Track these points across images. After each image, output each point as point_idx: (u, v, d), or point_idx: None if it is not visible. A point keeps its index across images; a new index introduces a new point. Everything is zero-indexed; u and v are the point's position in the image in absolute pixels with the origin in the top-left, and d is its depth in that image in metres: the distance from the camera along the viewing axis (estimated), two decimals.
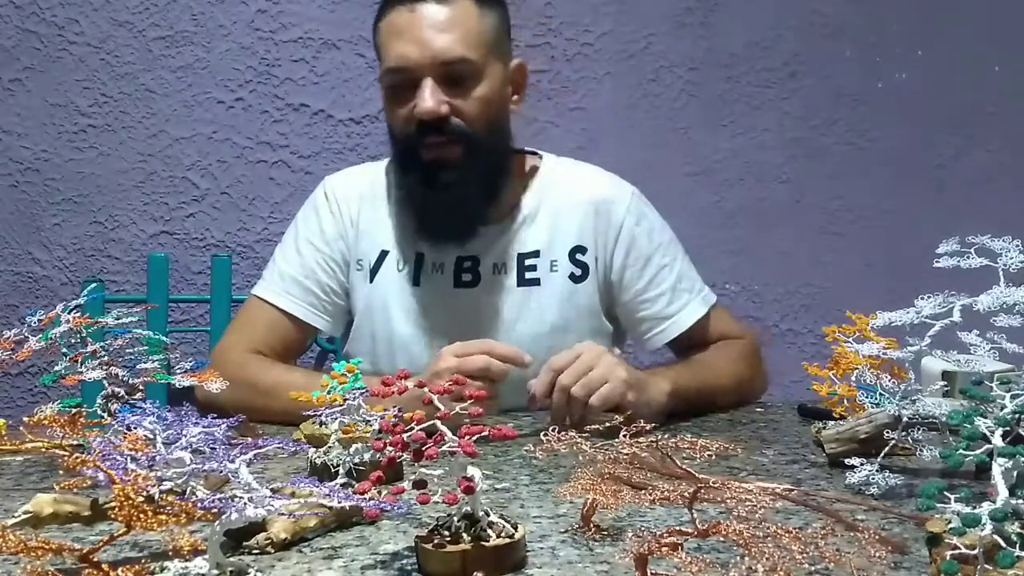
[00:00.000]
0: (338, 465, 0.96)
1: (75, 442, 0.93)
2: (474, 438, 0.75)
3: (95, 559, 0.65)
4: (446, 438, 0.76)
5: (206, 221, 2.05)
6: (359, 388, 1.03)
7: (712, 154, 2.18)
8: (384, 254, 1.50)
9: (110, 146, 2.02)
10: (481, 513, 0.76)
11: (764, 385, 1.55)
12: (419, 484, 0.76)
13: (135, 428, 0.77)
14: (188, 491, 0.74)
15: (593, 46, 2.12)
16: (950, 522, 0.63)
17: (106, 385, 1.08)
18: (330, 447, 1.00)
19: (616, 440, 0.85)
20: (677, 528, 0.65)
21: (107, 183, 2.02)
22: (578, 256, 1.50)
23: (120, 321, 1.14)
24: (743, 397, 1.47)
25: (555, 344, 1.36)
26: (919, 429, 0.97)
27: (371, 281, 1.50)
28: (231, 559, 0.71)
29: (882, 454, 0.96)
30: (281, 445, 0.80)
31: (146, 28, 2.00)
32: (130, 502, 0.62)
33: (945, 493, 0.64)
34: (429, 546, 0.75)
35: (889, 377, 1.00)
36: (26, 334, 1.07)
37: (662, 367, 1.45)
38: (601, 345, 1.31)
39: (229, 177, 2.05)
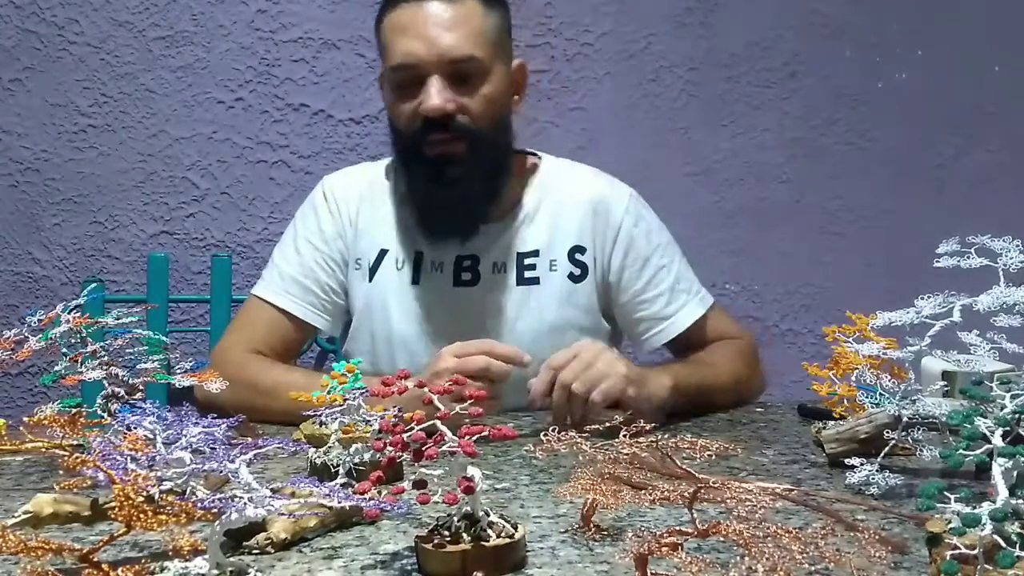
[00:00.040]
0: (338, 465, 0.96)
1: (75, 442, 0.93)
2: (474, 438, 0.75)
3: (95, 559, 0.65)
4: (446, 438, 0.76)
5: (206, 221, 2.05)
6: (359, 388, 1.03)
7: (712, 154, 2.18)
8: (383, 253, 1.50)
9: (110, 146, 2.02)
10: (481, 513, 0.76)
11: (762, 385, 1.55)
12: (419, 484, 0.76)
13: (135, 428, 0.77)
14: (188, 491, 0.74)
15: (593, 46, 2.12)
16: (950, 522, 0.63)
17: (106, 385, 1.08)
18: (330, 447, 1.00)
19: (616, 440, 0.85)
20: (677, 528, 0.65)
21: (107, 183, 2.02)
22: (577, 256, 1.50)
23: (120, 321, 1.14)
24: (742, 396, 1.47)
25: (554, 343, 1.36)
26: (919, 429, 0.97)
27: (370, 280, 1.50)
28: (231, 559, 0.71)
29: (882, 454, 0.96)
30: (281, 445, 0.80)
31: (146, 28, 2.00)
32: (130, 502, 0.62)
33: (945, 493, 0.64)
34: (429, 546, 0.75)
35: (889, 377, 1.00)
36: (26, 334, 1.07)
37: (661, 365, 1.45)
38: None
39: (229, 177, 2.05)
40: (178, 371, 1.10)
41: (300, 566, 0.78)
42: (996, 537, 0.60)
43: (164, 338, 1.16)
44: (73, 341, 1.09)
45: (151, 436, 0.76)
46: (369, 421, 1.01)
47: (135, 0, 2.00)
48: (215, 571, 0.68)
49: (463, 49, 1.36)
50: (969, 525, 0.60)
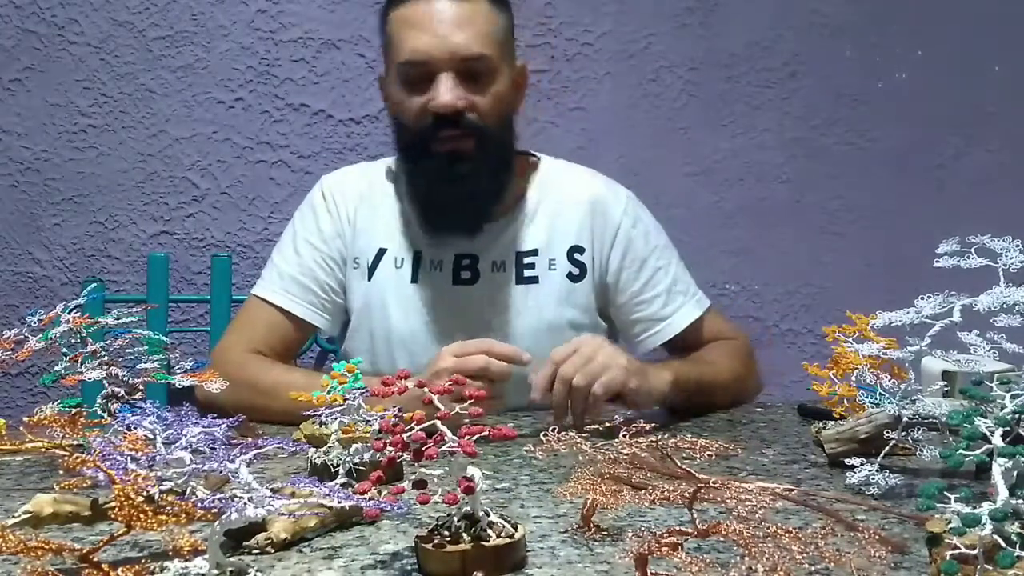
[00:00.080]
0: (338, 465, 0.96)
1: (75, 442, 0.93)
2: (474, 438, 0.75)
3: (95, 559, 0.65)
4: (446, 438, 0.76)
5: (206, 221, 2.05)
6: (359, 388, 1.03)
7: (712, 154, 2.17)
8: (382, 252, 1.50)
9: (110, 146, 2.02)
10: (481, 513, 0.76)
11: (759, 386, 1.55)
12: (419, 484, 0.76)
13: (135, 428, 0.77)
14: (188, 491, 0.74)
15: (593, 46, 2.12)
16: (950, 522, 0.63)
17: (106, 385, 1.08)
18: (330, 447, 1.00)
19: (616, 440, 0.85)
20: (677, 528, 0.65)
21: (107, 183, 2.02)
22: (576, 256, 1.50)
23: (120, 321, 1.14)
24: (739, 395, 1.47)
25: (553, 342, 1.36)
26: (919, 429, 0.97)
27: (369, 279, 1.50)
28: (231, 559, 0.71)
29: (882, 454, 0.96)
30: (281, 445, 0.80)
31: (146, 28, 2.00)
32: (130, 502, 0.62)
33: (945, 493, 0.64)
34: (429, 546, 0.75)
35: (889, 377, 1.00)
36: (26, 334, 1.07)
37: (661, 361, 1.45)
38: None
39: (229, 177, 2.04)
40: (178, 371, 1.10)
41: (300, 566, 0.78)
42: (996, 537, 0.60)
43: (164, 338, 1.16)
44: (73, 341, 1.09)
45: (151, 436, 0.76)
46: (369, 421, 1.01)
47: (135, 0, 2.00)
48: (215, 571, 0.68)
49: (475, 47, 1.37)
50: (969, 525, 0.60)
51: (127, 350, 1.11)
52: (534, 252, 1.49)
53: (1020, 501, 0.64)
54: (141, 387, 1.09)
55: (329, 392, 1.04)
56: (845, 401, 1.06)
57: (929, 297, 0.96)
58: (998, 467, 0.66)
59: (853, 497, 0.93)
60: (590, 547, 0.82)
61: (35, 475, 1.08)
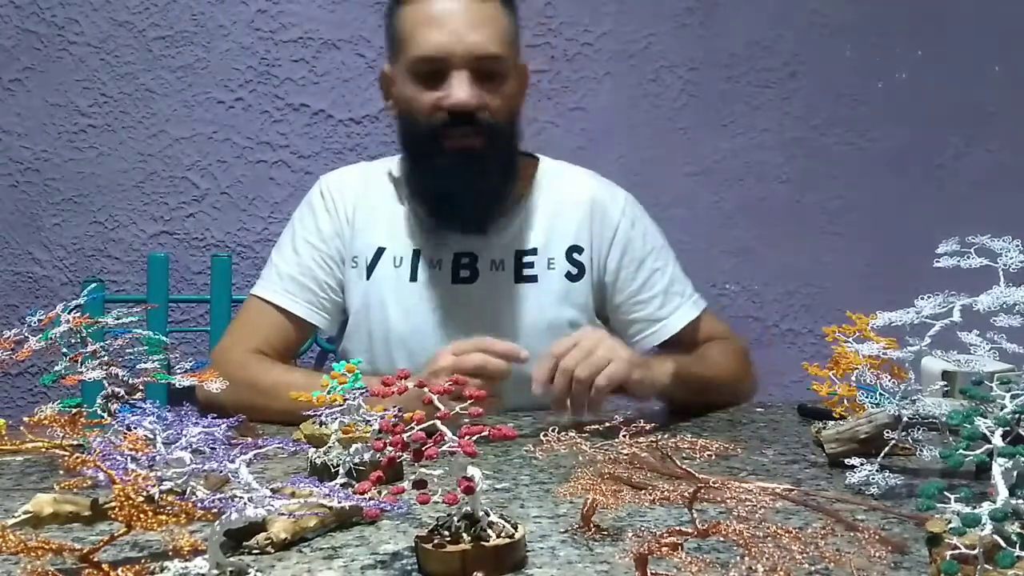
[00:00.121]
0: (338, 465, 0.96)
1: (75, 442, 0.93)
2: (474, 438, 0.75)
3: (95, 559, 0.65)
4: (446, 438, 0.76)
5: (206, 221, 2.05)
6: (359, 388, 1.03)
7: (712, 154, 2.18)
8: (381, 251, 1.50)
9: (110, 146, 2.02)
10: (481, 513, 0.76)
11: (755, 387, 1.56)
12: (419, 484, 0.76)
13: (135, 428, 0.77)
14: (188, 491, 0.74)
15: (593, 46, 2.12)
16: (950, 522, 0.63)
17: (106, 385, 1.08)
18: (330, 447, 1.00)
19: (616, 440, 0.85)
20: (677, 528, 0.65)
21: (107, 183, 2.02)
22: (575, 255, 1.50)
23: (120, 321, 1.14)
24: (736, 395, 1.48)
25: (552, 341, 1.35)
26: (919, 429, 0.97)
27: (368, 278, 1.50)
28: (231, 559, 0.71)
29: (882, 454, 0.96)
30: (281, 445, 0.80)
31: (146, 28, 2.00)
32: (130, 502, 0.62)
33: (945, 493, 0.64)
34: (429, 546, 0.75)
35: (889, 377, 1.00)
36: (26, 334, 1.07)
37: (661, 356, 1.46)
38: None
39: (229, 177, 2.05)
40: (178, 371, 1.10)
41: (300, 566, 0.78)
42: (996, 537, 0.60)
43: (164, 338, 1.16)
44: (73, 341, 1.09)
45: (151, 436, 0.76)
46: (369, 421, 1.01)
47: (135, 0, 2.00)
48: (215, 571, 0.68)
49: (491, 47, 1.38)
50: (969, 525, 0.60)
51: (127, 350, 1.11)
52: (533, 251, 1.50)
53: (1020, 501, 0.64)
54: (141, 387, 1.09)
55: (329, 392, 1.04)
56: (845, 401, 1.06)
57: (929, 297, 0.96)
58: (998, 467, 0.66)
59: (853, 497, 0.93)
60: (590, 547, 0.82)
61: (35, 475, 1.08)
